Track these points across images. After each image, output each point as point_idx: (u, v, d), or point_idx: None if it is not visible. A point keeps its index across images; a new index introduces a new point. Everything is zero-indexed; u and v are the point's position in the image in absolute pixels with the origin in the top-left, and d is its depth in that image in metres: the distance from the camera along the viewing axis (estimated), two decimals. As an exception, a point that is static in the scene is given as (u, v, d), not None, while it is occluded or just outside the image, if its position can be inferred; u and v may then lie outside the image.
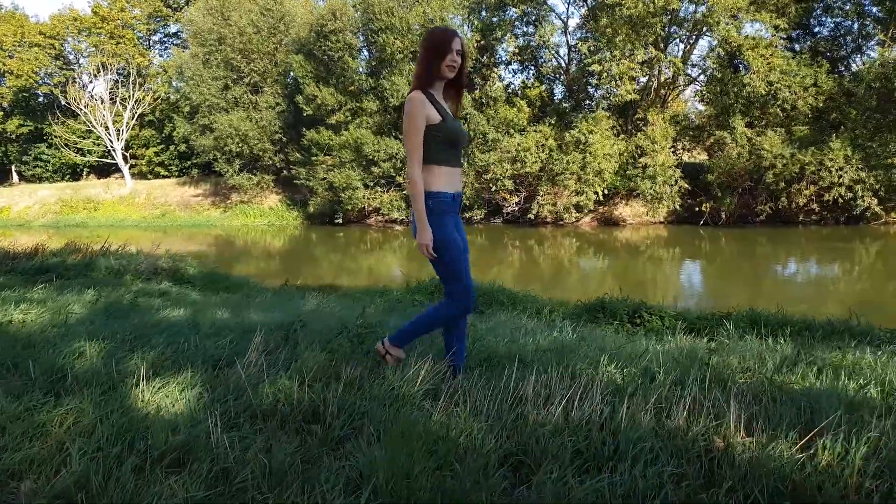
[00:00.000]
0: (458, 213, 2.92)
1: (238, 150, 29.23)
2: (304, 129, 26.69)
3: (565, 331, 5.04)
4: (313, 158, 26.69)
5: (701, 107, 24.60)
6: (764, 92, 20.05)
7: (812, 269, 17.01)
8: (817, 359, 3.26)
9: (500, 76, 26.96)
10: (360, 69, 25.31)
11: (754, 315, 7.43)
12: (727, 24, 20.92)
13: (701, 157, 25.10)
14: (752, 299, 12.73)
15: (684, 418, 2.03)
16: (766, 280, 15.37)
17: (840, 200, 20.18)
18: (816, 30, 23.32)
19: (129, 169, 40.42)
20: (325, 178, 26.55)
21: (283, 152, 29.30)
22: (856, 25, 22.28)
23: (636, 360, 3.08)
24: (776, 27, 21.27)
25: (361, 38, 25.26)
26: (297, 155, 27.80)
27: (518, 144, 23.16)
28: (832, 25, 22.89)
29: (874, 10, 21.60)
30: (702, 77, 24.03)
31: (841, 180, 19.60)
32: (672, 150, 24.10)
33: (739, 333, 6.44)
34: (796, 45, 23.33)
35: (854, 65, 22.57)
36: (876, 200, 20.00)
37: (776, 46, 20.52)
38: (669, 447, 1.84)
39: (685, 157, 25.43)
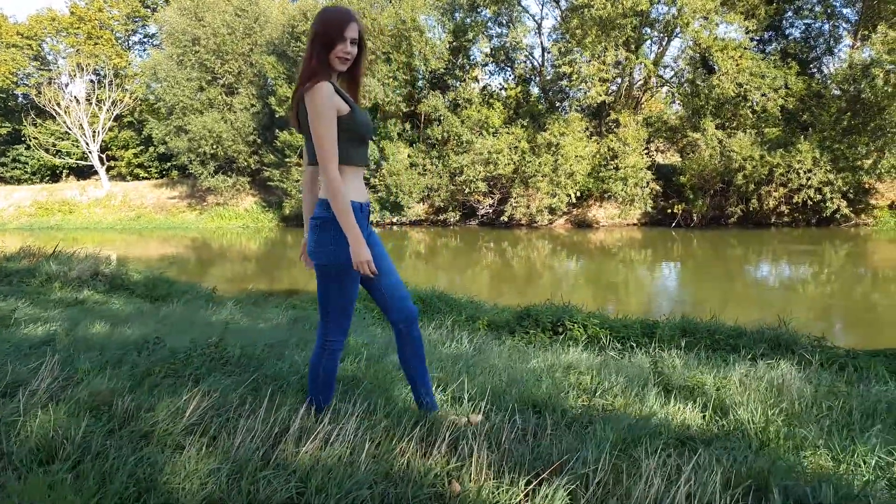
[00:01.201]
0: (367, 226, 2.46)
1: (212, 151, 28.98)
2: (277, 131, 26.49)
3: (462, 343, 4.89)
4: (286, 160, 26.50)
5: (680, 108, 24.54)
6: (733, 94, 20.00)
7: (779, 272, 16.99)
8: (672, 378, 3.11)
9: (476, 77, 26.85)
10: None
11: (686, 324, 7.33)
12: (698, 25, 20.87)
13: (675, 158, 25.06)
14: (715, 303, 12.72)
15: (442, 454, 1.88)
16: (732, 283, 15.31)
17: (809, 202, 20.15)
18: (788, 31, 23.31)
19: (109, 171, 40.07)
20: (298, 180, 26.33)
21: (257, 154, 29.08)
22: (827, 27, 22.30)
23: (470, 381, 2.92)
24: (746, 29, 21.27)
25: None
26: (271, 157, 27.59)
27: (491, 146, 23.04)
28: (803, 27, 22.89)
29: (845, 11, 21.63)
30: (675, 79, 23.98)
31: (809, 182, 19.57)
32: (646, 151, 24.06)
33: (661, 345, 6.35)
34: (768, 47, 23.31)
35: (825, 67, 22.59)
36: (845, 202, 19.97)
37: (746, 48, 20.46)
38: (394, 494, 1.68)
39: (659, 159, 25.40)
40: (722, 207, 22.36)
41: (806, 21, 22.52)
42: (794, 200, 20.39)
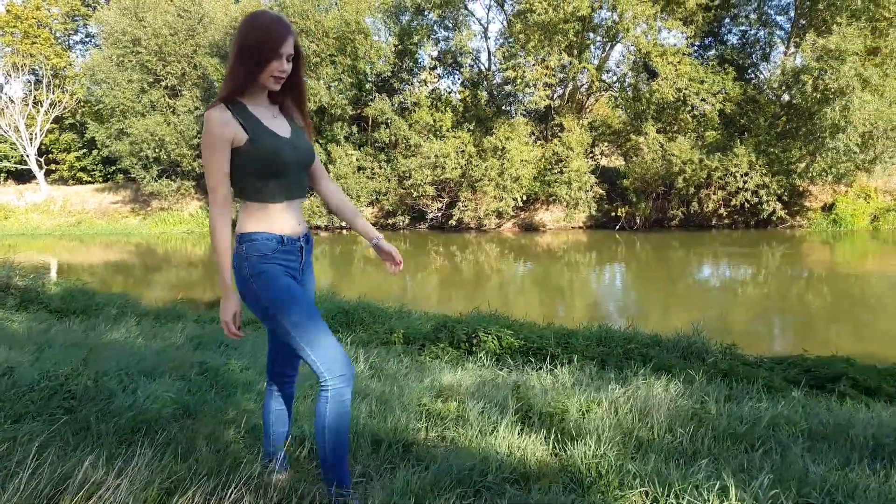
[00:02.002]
0: (302, 260, 2.15)
1: (155, 155, 28.23)
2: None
3: (358, 362, 4.78)
4: (231, 164, 25.97)
5: (623, 112, 24.88)
6: (673, 98, 20.34)
7: (716, 275, 17.38)
8: (535, 403, 3.05)
9: (426, 81, 26.77)
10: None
11: (602, 332, 7.35)
12: (639, 30, 21.18)
13: (620, 162, 25.40)
14: (653, 307, 12.96)
15: None
16: (671, 286, 15.59)
17: (746, 205, 20.64)
18: (726, 38, 23.83)
19: (50, 175, 38.70)
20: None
21: (201, 157, 28.42)
22: (762, 34, 22.87)
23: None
24: (687, 35, 21.69)
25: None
26: (216, 160, 26.99)
27: (438, 150, 22.98)
28: (740, 34, 23.42)
29: (779, 19, 22.25)
30: (618, 84, 24.29)
31: (746, 185, 20.02)
32: (591, 155, 24.31)
33: (573, 356, 6.35)
34: (709, 52, 23.80)
35: (762, 73, 23.16)
36: (780, 205, 20.50)
37: (684, 53, 20.85)
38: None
39: (604, 162, 25.71)
40: (664, 210, 22.75)
41: (742, 28, 23.08)
42: (733, 203, 20.86)
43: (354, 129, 25.65)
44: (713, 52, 23.38)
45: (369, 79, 24.48)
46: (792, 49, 21.12)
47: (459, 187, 23.83)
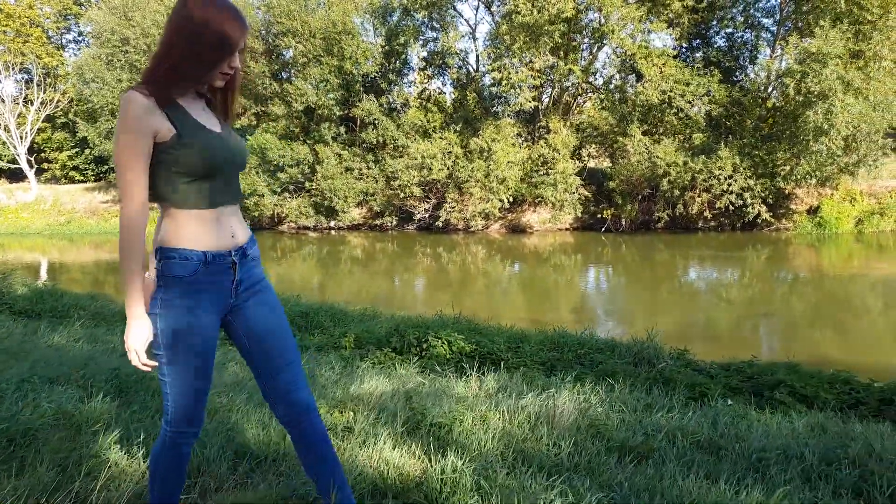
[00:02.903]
0: (235, 278, 1.85)
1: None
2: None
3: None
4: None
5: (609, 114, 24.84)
6: (657, 100, 20.32)
7: (698, 277, 17.38)
8: (429, 414, 3.02)
9: (414, 81, 26.77)
10: (265, 72, 24.67)
11: (557, 336, 7.33)
12: (626, 33, 21.16)
13: (607, 163, 25.39)
14: (635, 309, 12.92)
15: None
16: (653, 288, 15.55)
17: (731, 208, 20.61)
18: (714, 40, 23.82)
19: (42, 174, 38.68)
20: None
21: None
22: (749, 36, 22.85)
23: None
24: (675, 37, 21.68)
25: (263, 42, 24.64)
26: (204, 160, 26.99)
27: (424, 151, 22.95)
28: (726, 36, 23.41)
29: (765, 21, 22.22)
30: (605, 86, 24.26)
31: (730, 188, 19.99)
32: (578, 157, 24.29)
33: (523, 360, 6.33)
34: (697, 54, 23.78)
35: (750, 74, 23.15)
36: (765, 208, 20.48)
37: (669, 56, 20.83)
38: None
39: (592, 164, 25.69)
40: (650, 212, 22.73)
41: (728, 30, 23.07)
42: (717, 205, 20.83)
43: (342, 129, 25.63)
44: (700, 54, 23.37)
45: (357, 79, 24.44)
46: (778, 51, 21.09)
47: (446, 188, 23.81)
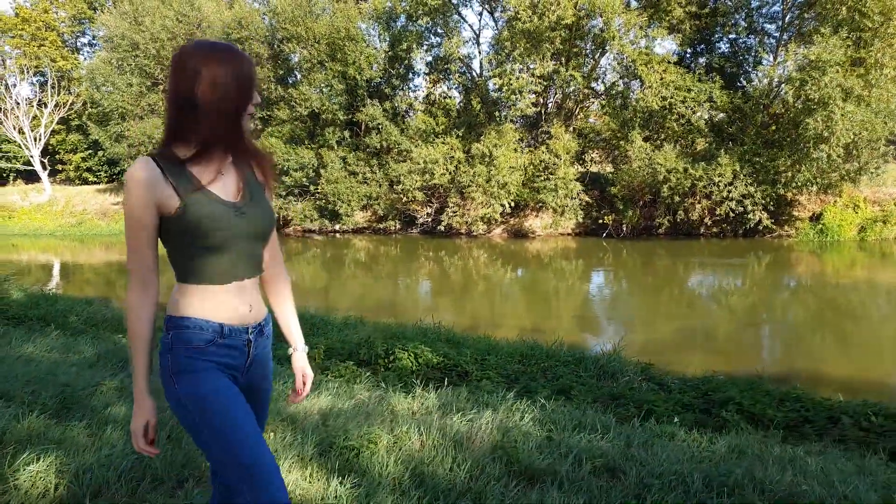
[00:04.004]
0: (248, 358, 1.72)
1: (152, 158, 28.61)
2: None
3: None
4: (225, 168, 26.27)
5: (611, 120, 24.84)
6: (657, 107, 20.31)
7: (697, 283, 17.31)
8: (342, 435, 3.14)
9: (419, 86, 26.96)
10: (270, 77, 24.95)
11: (526, 348, 7.41)
12: (627, 39, 21.16)
13: (610, 169, 25.39)
14: (631, 316, 12.90)
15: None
16: (652, 294, 15.53)
17: (732, 214, 20.54)
18: (717, 46, 23.72)
19: (56, 175, 39.35)
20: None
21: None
22: (753, 42, 22.76)
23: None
24: (679, 43, 21.65)
25: (269, 47, 24.90)
26: (211, 164, 27.33)
27: (427, 156, 23.09)
28: (729, 42, 23.32)
29: (768, 27, 22.12)
30: (606, 92, 24.27)
31: (731, 195, 19.93)
32: (581, 162, 24.31)
33: (485, 374, 6.42)
34: (701, 60, 23.71)
35: (754, 81, 23.03)
36: (766, 214, 20.38)
37: (670, 62, 20.80)
38: None
39: (595, 170, 25.70)
40: (652, 218, 22.71)
41: (731, 36, 22.97)
42: (718, 212, 20.77)
43: (347, 134, 25.85)
44: (703, 60, 23.29)
45: (361, 84, 24.65)
46: (781, 58, 20.99)
47: (448, 193, 23.94)
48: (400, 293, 17.55)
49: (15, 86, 36.80)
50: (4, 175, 40.90)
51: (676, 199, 20.88)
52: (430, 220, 25.50)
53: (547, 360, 6.92)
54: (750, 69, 23.29)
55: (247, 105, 1.63)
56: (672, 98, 20.27)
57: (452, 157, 23.32)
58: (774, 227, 20.99)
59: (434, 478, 2.81)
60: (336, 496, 2.42)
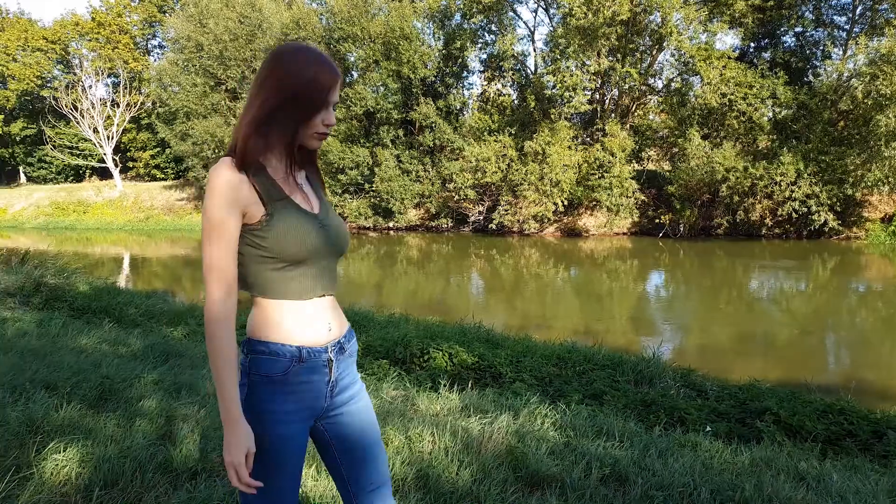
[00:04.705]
0: (330, 378, 1.62)
1: (214, 156, 29.58)
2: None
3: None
4: (283, 165, 26.94)
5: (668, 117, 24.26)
6: (716, 104, 19.70)
7: (758, 286, 16.72)
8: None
9: (470, 84, 26.96)
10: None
11: (564, 351, 7.33)
12: (686, 34, 20.62)
13: (667, 167, 24.81)
14: (688, 320, 12.62)
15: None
16: (709, 297, 15.10)
17: (795, 215, 19.75)
18: (784, 39, 22.82)
19: (128, 172, 41.23)
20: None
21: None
22: (821, 35, 21.79)
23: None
24: (742, 37, 20.96)
25: (326, 47, 25.36)
26: (270, 161, 28.08)
27: (479, 154, 23.09)
28: (795, 36, 22.38)
29: (838, 19, 21.14)
30: (664, 88, 23.70)
31: (793, 195, 19.17)
32: (637, 160, 23.84)
33: (519, 376, 6.40)
34: (765, 55, 22.86)
35: (820, 76, 22.06)
36: (833, 215, 19.52)
37: (730, 57, 20.14)
38: None
39: (652, 168, 25.16)
40: (710, 218, 22.08)
41: (798, 30, 22.05)
42: (780, 213, 20.01)
43: (401, 132, 26.10)
44: (767, 54, 22.44)
45: (415, 83, 24.84)
46: (850, 51, 20.03)
47: (500, 191, 23.89)
48: (450, 291, 17.62)
49: (91, 87, 38.72)
50: (81, 172, 43.13)
51: (736, 198, 20.24)
52: (481, 218, 25.50)
53: (584, 364, 6.84)
54: (818, 63, 22.32)
55: (321, 116, 1.56)
56: (732, 95, 19.63)
57: (505, 155, 23.24)
58: (842, 228, 20.08)
59: (438, 481, 2.85)
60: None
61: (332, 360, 1.61)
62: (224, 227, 1.47)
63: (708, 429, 4.88)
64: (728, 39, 21.56)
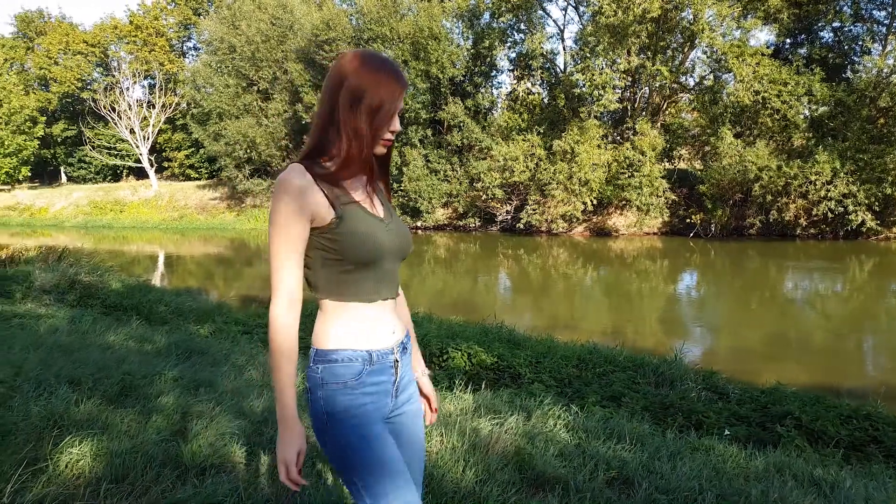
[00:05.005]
0: (396, 379, 1.66)
1: (247, 155, 30.05)
2: (304, 137, 27.28)
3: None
4: (313, 165, 27.24)
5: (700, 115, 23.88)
6: (749, 101, 19.33)
7: (792, 288, 16.37)
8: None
9: (499, 83, 26.92)
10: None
11: (584, 352, 7.27)
12: (718, 31, 20.28)
13: (699, 166, 24.44)
14: (718, 322, 12.41)
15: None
16: (741, 299, 14.81)
17: (830, 215, 19.29)
18: (821, 35, 22.28)
19: (163, 171, 42.10)
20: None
21: (289, 158, 29.97)
22: (860, 31, 21.23)
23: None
24: (777, 33, 20.53)
25: (356, 47, 25.54)
26: (300, 162, 28.42)
27: (507, 153, 23.03)
28: (833, 31, 21.84)
29: (878, 14, 20.56)
30: (696, 87, 23.34)
31: (829, 194, 18.72)
32: (668, 159, 23.53)
33: (538, 377, 6.38)
34: (802, 51, 22.37)
35: (860, 71, 21.47)
36: (871, 215, 19.01)
37: (763, 54, 19.74)
38: None
39: (683, 166, 24.80)
40: (743, 217, 21.68)
41: (835, 25, 21.49)
42: (815, 213, 19.56)
43: (429, 132, 26.17)
44: (804, 50, 21.94)
45: (443, 83, 24.88)
46: (890, 47, 19.49)
47: (528, 190, 23.80)
48: (477, 291, 17.61)
49: (128, 89, 39.64)
50: (119, 172, 44.21)
51: (769, 198, 19.84)
52: (509, 217, 25.44)
53: (605, 365, 6.79)
54: (856, 59, 21.75)
55: (389, 128, 1.59)
56: (766, 92, 19.24)
57: (533, 154, 23.14)
58: (880, 228, 19.54)
59: (441, 481, 2.87)
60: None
61: (398, 361, 1.66)
62: (296, 231, 1.50)
63: (726, 432, 4.82)
64: (762, 36, 21.08)
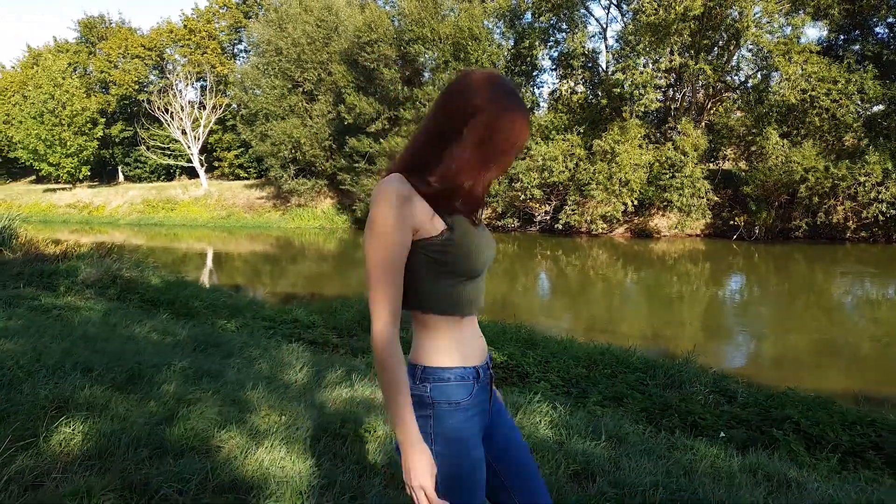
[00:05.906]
0: (490, 398, 1.61)
1: (292, 156, 30.72)
2: (347, 137, 27.75)
3: (298, 373, 5.31)
4: (355, 165, 27.68)
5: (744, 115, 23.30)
6: (795, 100, 18.79)
7: (841, 293, 15.82)
8: (344, 424, 3.40)
9: (541, 82, 26.79)
10: (397, 78, 25.89)
11: (596, 353, 7.27)
12: (765, 29, 19.78)
13: (744, 166, 23.85)
14: (760, 327, 12.12)
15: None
16: (786, 304, 14.42)
17: (882, 218, 18.59)
18: (876, 31, 21.47)
19: (213, 171, 43.37)
20: (367, 184, 27.45)
21: (332, 158, 30.53)
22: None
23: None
24: (829, 29, 19.90)
25: (397, 49, 25.82)
26: (343, 161, 28.91)
27: (545, 153, 22.95)
28: (887, 26, 21.01)
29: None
30: (742, 85, 22.79)
31: (880, 196, 18.05)
32: (712, 159, 23.06)
33: (545, 377, 6.44)
34: (854, 47, 21.59)
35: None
36: (927, 218, 18.28)
37: (812, 51, 19.15)
38: None
39: (728, 167, 24.25)
40: (788, 220, 21.08)
41: (890, 20, 20.68)
42: (864, 215, 18.88)
43: (469, 132, 26.22)
44: (857, 47, 21.18)
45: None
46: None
47: (567, 191, 23.66)
48: (514, 292, 17.61)
49: (181, 91, 40.98)
50: (172, 171, 45.75)
51: (816, 199, 19.24)
52: (548, 217, 25.33)
53: (616, 366, 6.81)
54: (912, 56, 20.89)
55: (510, 160, 1.50)
56: (813, 91, 18.67)
57: (572, 154, 23.00)
58: (937, 232, 18.76)
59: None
60: (301, 476, 2.67)
61: (493, 376, 1.62)
62: (401, 242, 1.42)
63: (721, 434, 4.81)
64: (812, 32, 20.46)
